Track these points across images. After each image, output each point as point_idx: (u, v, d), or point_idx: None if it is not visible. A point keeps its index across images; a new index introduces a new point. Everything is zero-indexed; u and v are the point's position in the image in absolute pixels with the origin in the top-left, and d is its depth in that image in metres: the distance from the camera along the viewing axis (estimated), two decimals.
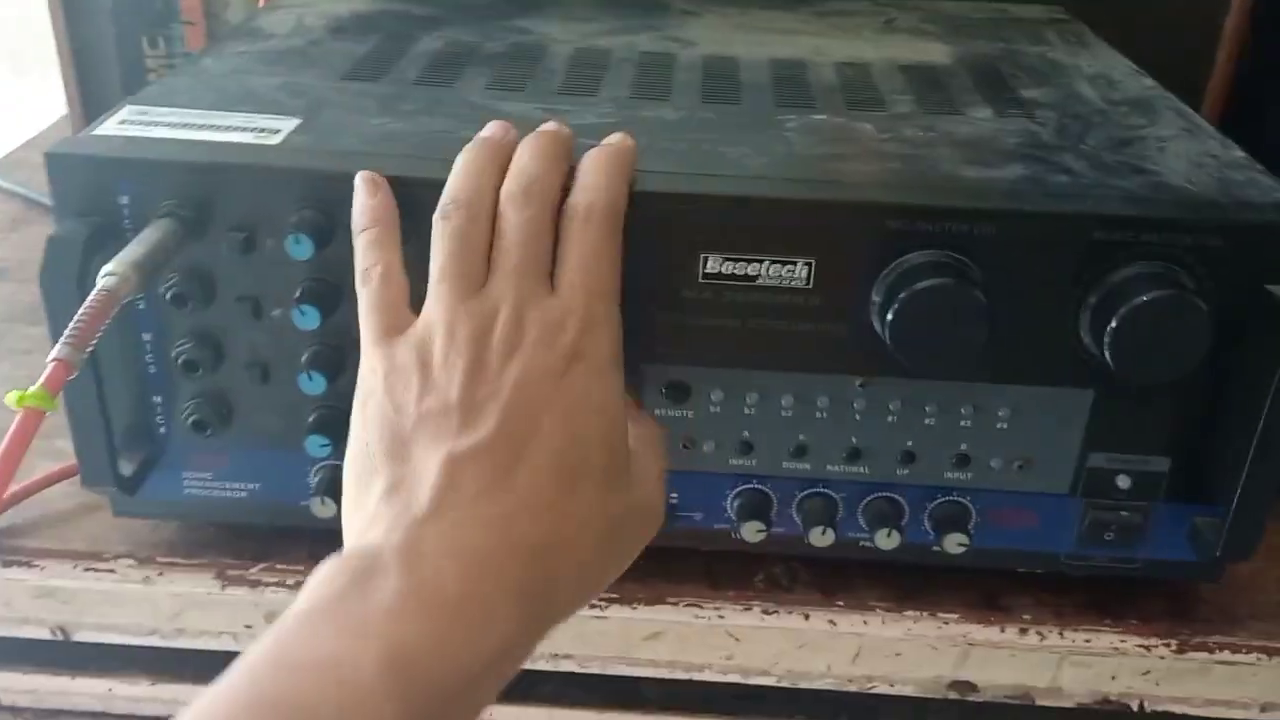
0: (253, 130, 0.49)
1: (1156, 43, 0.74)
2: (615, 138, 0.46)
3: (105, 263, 0.43)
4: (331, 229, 0.46)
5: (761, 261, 0.47)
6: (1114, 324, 0.44)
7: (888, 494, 0.51)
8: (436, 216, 0.42)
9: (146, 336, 0.49)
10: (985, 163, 0.50)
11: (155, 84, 0.55)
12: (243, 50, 0.61)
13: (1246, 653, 0.53)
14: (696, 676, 0.56)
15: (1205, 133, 0.55)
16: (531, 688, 0.58)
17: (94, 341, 0.39)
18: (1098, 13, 0.77)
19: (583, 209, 0.42)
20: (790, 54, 0.65)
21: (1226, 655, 0.53)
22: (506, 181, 0.43)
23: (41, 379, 0.38)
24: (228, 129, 0.49)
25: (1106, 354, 0.45)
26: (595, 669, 0.56)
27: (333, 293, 0.47)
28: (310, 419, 0.50)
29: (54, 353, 0.38)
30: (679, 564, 0.55)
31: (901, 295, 0.45)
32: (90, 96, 0.90)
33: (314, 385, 0.48)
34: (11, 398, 0.37)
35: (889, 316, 0.45)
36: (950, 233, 0.45)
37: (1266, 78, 0.89)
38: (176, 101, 0.52)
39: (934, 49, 0.68)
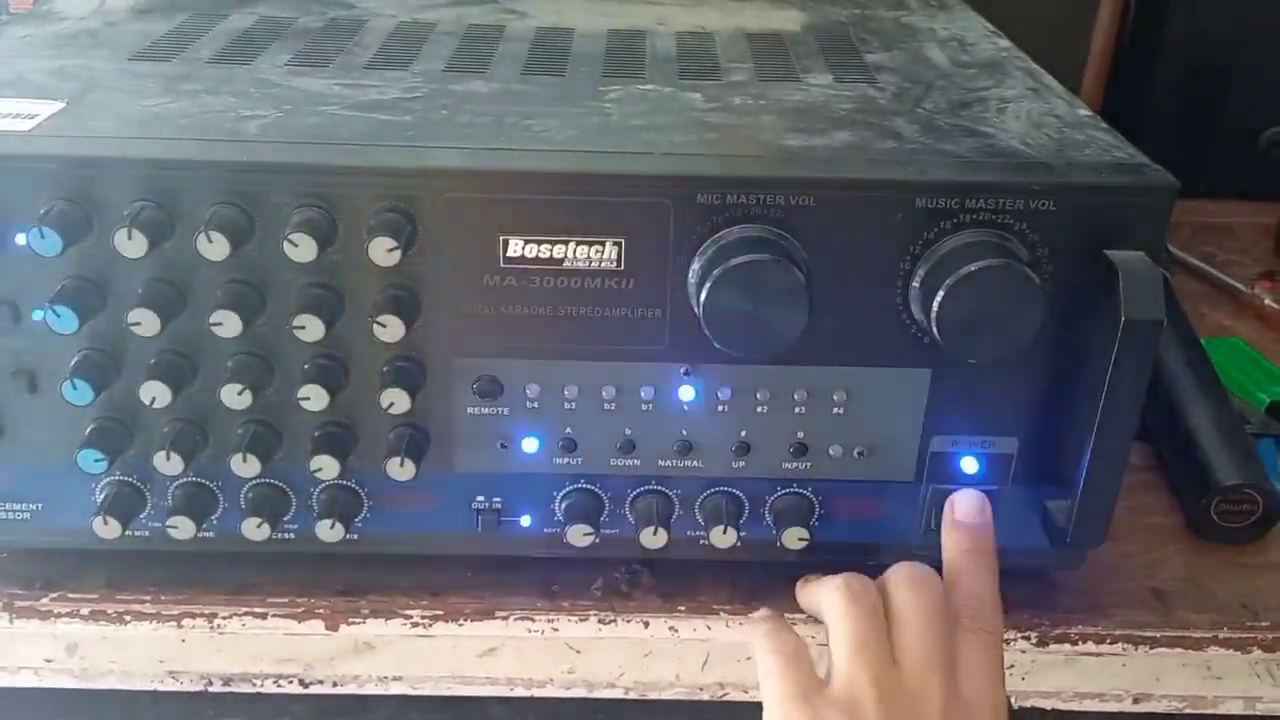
0: (6, 116, 0.44)
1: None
2: (968, 504, 0.46)
3: None
4: (86, 221, 0.42)
5: (567, 242, 0.43)
6: (940, 297, 0.41)
7: (725, 489, 0.48)
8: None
9: None
10: (811, 130, 0.46)
11: None
12: (27, 34, 0.56)
13: (1112, 642, 0.50)
14: (538, 693, 0.52)
15: (1052, 92, 0.52)
16: (368, 712, 0.54)
17: None
18: None
19: (973, 621, 0.43)
20: (631, 24, 0.62)
21: (1091, 646, 0.50)
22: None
23: None
24: None
25: (934, 330, 0.41)
26: (428, 690, 0.52)
27: (93, 292, 0.43)
28: (86, 432, 0.45)
29: None
30: (512, 574, 0.51)
31: (715, 274, 0.41)
32: None
33: (79, 395, 0.43)
34: None
35: (702, 297, 0.41)
36: (765, 205, 0.42)
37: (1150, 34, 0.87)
38: None
39: (786, 16, 0.65)
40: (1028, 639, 0.50)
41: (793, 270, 0.41)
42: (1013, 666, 0.51)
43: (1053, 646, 0.50)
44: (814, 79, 0.53)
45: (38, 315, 0.44)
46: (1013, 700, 0.52)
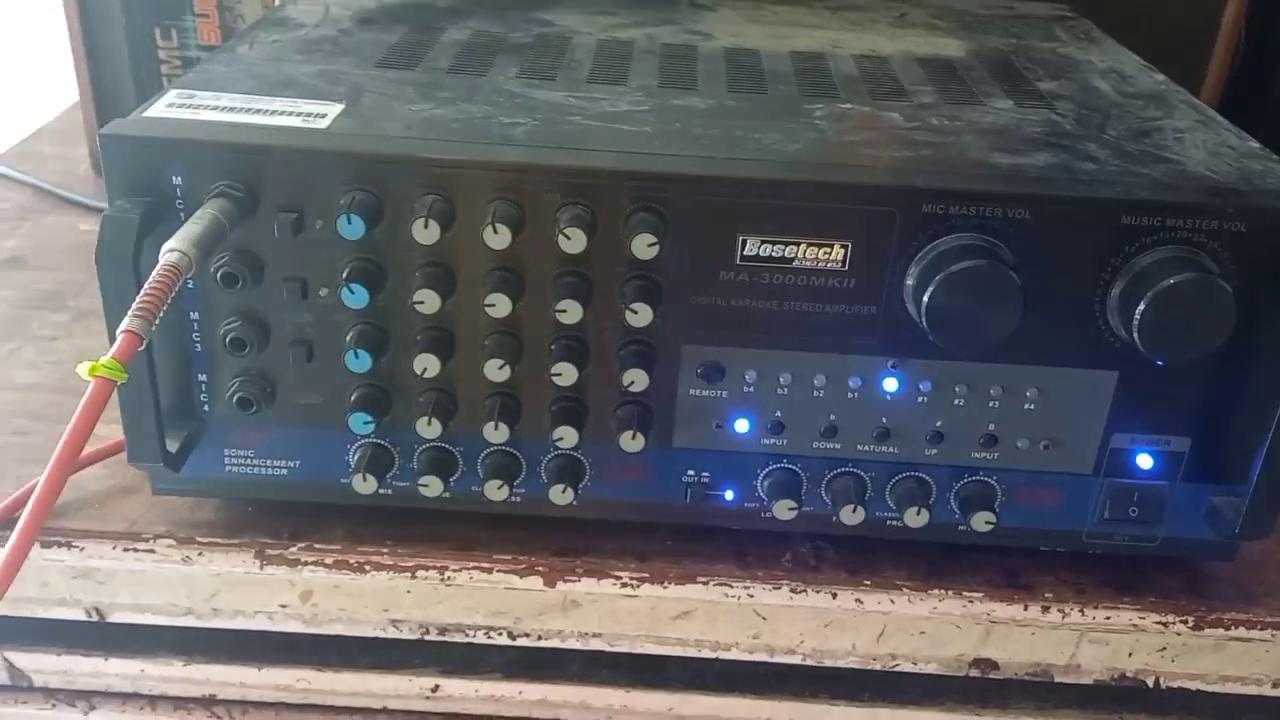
0: (299, 115, 0.50)
1: (1154, 39, 0.76)
2: None
3: (157, 242, 0.44)
4: (380, 210, 0.47)
5: (799, 244, 0.48)
6: (1142, 306, 0.46)
7: (916, 473, 0.53)
8: None
9: (194, 315, 0.49)
10: (1013, 150, 0.51)
11: (195, 70, 0.55)
12: (275, 39, 0.61)
13: (1261, 629, 0.54)
14: (724, 655, 0.57)
15: (1219, 124, 0.57)
16: (559, 666, 0.59)
17: (160, 314, 0.40)
18: (1097, 9, 0.79)
19: None
20: (808, 47, 0.67)
21: (1241, 632, 0.54)
22: None
23: (113, 350, 0.38)
24: (274, 113, 0.50)
25: (1135, 336, 0.46)
26: (624, 648, 0.57)
27: (379, 272, 0.48)
28: (354, 397, 0.51)
29: (124, 324, 0.39)
30: (708, 543, 0.56)
31: (937, 277, 0.46)
32: (102, 87, 0.91)
33: (360, 363, 0.49)
34: (84, 368, 0.38)
35: (924, 299, 0.46)
36: (984, 216, 0.47)
37: (1261, 73, 0.91)
38: (218, 87, 0.53)
39: (948, 43, 0.69)
40: (1184, 622, 0.54)
41: (1010, 275, 0.46)
42: (1165, 649, 0.55)
43: (1206, 631, 0.54)
44: (996, 103, 0.58)
45: (323, 292, 0.49)
46: (1161, 681, 0.56)
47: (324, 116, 0.50)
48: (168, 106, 0.49)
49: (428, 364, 0.49)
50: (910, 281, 0.48)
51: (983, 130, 0.54)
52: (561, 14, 0.70)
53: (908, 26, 0.74)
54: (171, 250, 0.42)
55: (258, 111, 0.50)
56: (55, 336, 0.71)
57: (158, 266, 0.41)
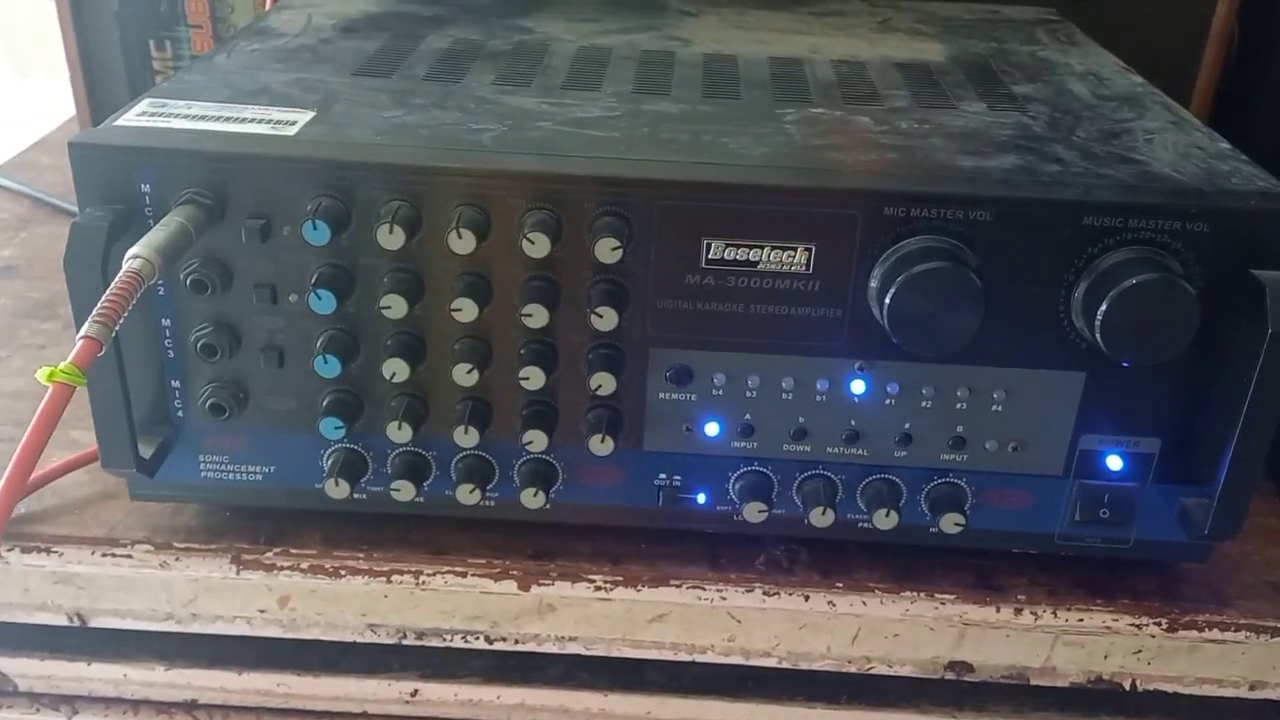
0: (269, 122, 0.50)
1: (1145, 42, 0.76)
2: None
3: (126, 249, 0.44)
4: (347, 216, 0.48)
5: (763, 247, 0.48)
6: (1104, 306, 0.46)
7: (886, 475, 0.53)
8: None
9: (165, 322, 0.50)
10: (979, 153, 0.51)
11: (171, 79, 0.56)
12: (254, 48, 0.62)
13: (1235, 630, 0.54)
14: (699, 658, 0.57)
15: (1192, 125, 0.57)
16: (538, 670, 0.60)
17: (121, 320, 0.41)
18: (1086, 13, 0.79)
19: None
20: (788, 52, 0.67)
21: (1215, 634, 0.54)
22: None
23: (71, 355, 0.39)
24: (244, 120, 0.50)
25: (1098, 336, 0.46)
26: (600, 651, 0.57)
27: (346, 278, 0.49)
28: (325, 402, 0.51)
29: (83, 330, 0.40)
30: (681, 546, 0.56)
31: (898, 280, 0.46)
32: (98, 98, 0.92)
33: (329, 368, 0.50)
34: (42, 373, 0.39)
35: (887, 300, 0.47)
36: (946, 219, 0.47)
37: (1252, 74, 0.91)
38: (192, 95, 0.53)
39: (928, 48, 0.70)
40: (1158, 624, 0.54)
41: (971, 277, 0.46)
42: (1140, 651, 0.55)
43: (1180, 633, 0.54)
44: (969, 106, 0.58)
45: (292, 298, 0.50)
46: (1138, 684, 0.56)
47: (294, 124, 0.50)
48: (139, 115, 0.50)
49: (396, 369, 0.50)
50: (874, 284, 0.48)
51: (951, 134, 0.54)
52: (543, 21, 0.71)
53: (890, 32, 0.74)
54: (134, 257, 0.42)
55: (228, 119, 0.50)
56: (45, 345, 0.71)
57: (120, 273, 0.42)
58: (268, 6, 0.79)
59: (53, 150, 1.03)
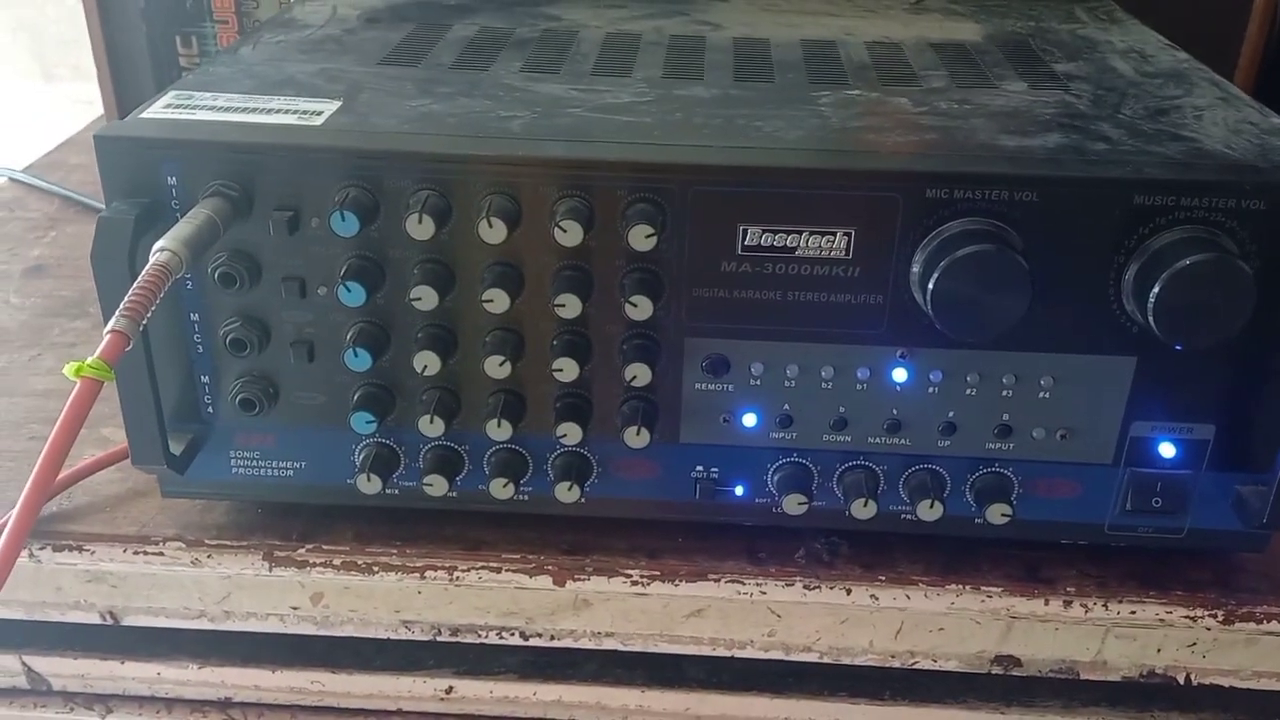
0: (295, 113, 0.50)
1: (1186, 17, 0.74)
2: None
3: (153, 242, 0.44)
4: (375, 207, 0.47)
5: (800, 232, 0.47)
6: (1157, 289, 0.44)
7: (929, 466, 0.51)
8: None
9: (194, 316, 0.49)
10: (1023, 132, 0.50)
11: (196, 71, 0.55)
12: (279, 40, 0.61)
13: None
14: (739, 654, 0.56)
15: (1241, 101, 0.55)
16: (574, 666, 0.59)
17: (149, 314, 0.40)
18: None
19: None
20: (820, 35, 0.66)
21: (1274, 626, 0.53)
22: None
23: (99, 350, 0.38)
24: (270, 111, 0.49)
25: (1150, 319, 0.45)
26: (637, 647, 0.56)
27: (376, 270, 0.48)
28: (355, 396, 0.51)
29: (110, 325, 0.39)
30: (719, 540, 0.55)
31: (942, 263, 0.45)
32: (125, 96, 0.92)
33: (359, 361, 0.49)
34: (70, 368, 0.38)
35: (929, 285, 0.45)
36: (990, 200, 0.45)
37: None
38: (217, 87, 0.53)
39: (964, 28, 0.68)
40: (1214, 616, 0.52)
41: (1017, 260, 0.44)
42: (1195, 644, 0.53)
43: (1237, 625, 0.53)
44: (1009, 86, 0.57)
45: (321, 291, 0.49)
46: (1192, 678, 0.55)
47: (320, 114, 0.50)
48: (164, 108, 0.49)
49: (428, 361, 0.49)
50: (915, 268, 0.47)
51: (993, 113, 0.52)
52: (570, 9, 0.70)
53: (924, 13, 0.72)
54: (161, 250, 0.42)
55: (254, 110, 0.49)
56: (75, 344, 0.71)
57: (147, 266, 0.41)
58: None
59: (81, 149, 1.03)
